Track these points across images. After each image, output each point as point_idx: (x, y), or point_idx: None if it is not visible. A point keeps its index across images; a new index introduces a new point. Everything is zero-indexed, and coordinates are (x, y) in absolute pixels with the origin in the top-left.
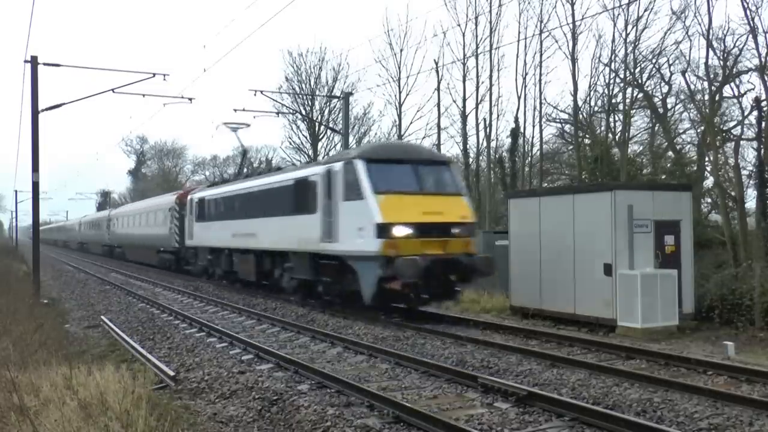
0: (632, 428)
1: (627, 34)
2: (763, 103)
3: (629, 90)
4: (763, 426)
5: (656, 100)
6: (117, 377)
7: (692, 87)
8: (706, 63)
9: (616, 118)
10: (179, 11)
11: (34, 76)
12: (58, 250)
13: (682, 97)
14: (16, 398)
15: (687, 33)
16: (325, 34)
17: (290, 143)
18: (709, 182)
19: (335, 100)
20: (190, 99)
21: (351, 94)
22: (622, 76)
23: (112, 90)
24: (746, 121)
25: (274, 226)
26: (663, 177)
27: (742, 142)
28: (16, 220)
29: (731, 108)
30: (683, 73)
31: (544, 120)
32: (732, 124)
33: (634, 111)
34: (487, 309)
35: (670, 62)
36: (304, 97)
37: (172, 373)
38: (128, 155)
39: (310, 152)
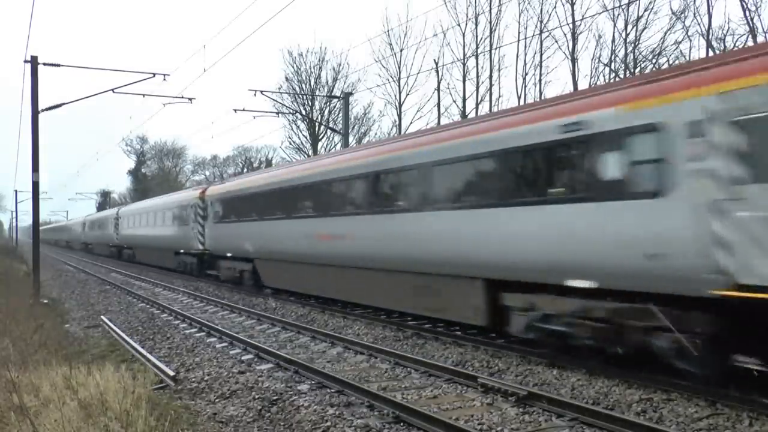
0: (632, 428)
1: (627, 34)
2: None
3: None
4: (763, 426)
5: None
6: (117, 377)
7: None
8: None
9: None
10: (179, 11)
11: (34, 76)
12: (54, 249)
13: None
14: (16, 398)
15: (687, 33)
16: (325, 34)
17: (290, 143)
18: None
19: (335, 100)
20: (190, 99)
21: (351, 94)
22: (622, 76)
23: (112, 90)
24: None
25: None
26: None
27: None
28: (16, 220)
29: None
30: None
31: None
32: None
33: None
34: None
35: (670, 62)
36: (304, 97)
37: (172, 373)
38: (128, 155)
39: (311, 152)
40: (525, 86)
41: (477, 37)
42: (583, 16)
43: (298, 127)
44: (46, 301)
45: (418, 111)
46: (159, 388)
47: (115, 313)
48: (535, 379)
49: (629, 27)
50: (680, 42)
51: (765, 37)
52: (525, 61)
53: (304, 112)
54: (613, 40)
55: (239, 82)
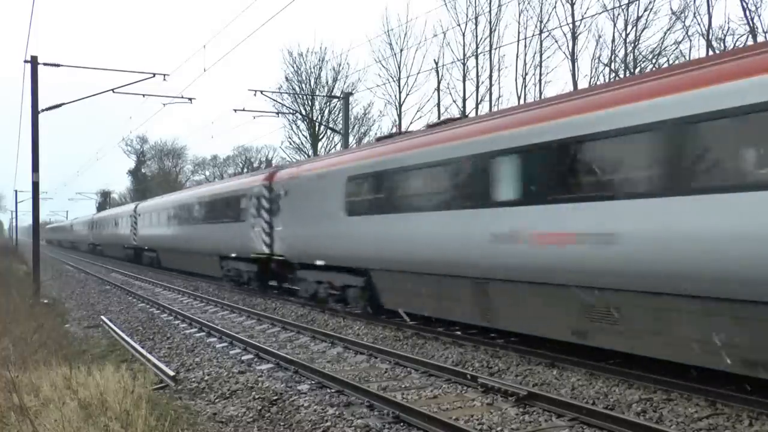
0: (632, 428)
1: (627, 34)
2: None
3: None
4: (763, 426)
5: None
6: (117, 377)
7: None
8: None
9: None
10: (179, 11)
11: (34, 76)
12: (48, 247)
13: None
14: (16, 398)
15: (687, 33)
16: (325, 34)
17: (290, 143)
18: None
19: (335, 100)
20: (190, 99)
21: (351, 94)
22: (622, 76)
23: (112, 90)
24: None
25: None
26: None
27: None
28: (16, 220)
29: None
30: None
31: None
32: None
33: None
34: None
35: (670, 62)
36: (304, 97)
37: (172, 373)
38: (128, 155)
39: (311, 152)
40: (525, 86)
41: (477, 37)
42: (583, 16)
43: (298, 127)
44: (46, 301)
45: (418, 111)
46: (159, 388)
47: (115, 313)
48: (535, 379)
49: (629, 27)
50: (680, 42)
51: (765, 36)
52: (525, 61)
53: (304, 112)
54: (613, 40)
55: (239, 82)
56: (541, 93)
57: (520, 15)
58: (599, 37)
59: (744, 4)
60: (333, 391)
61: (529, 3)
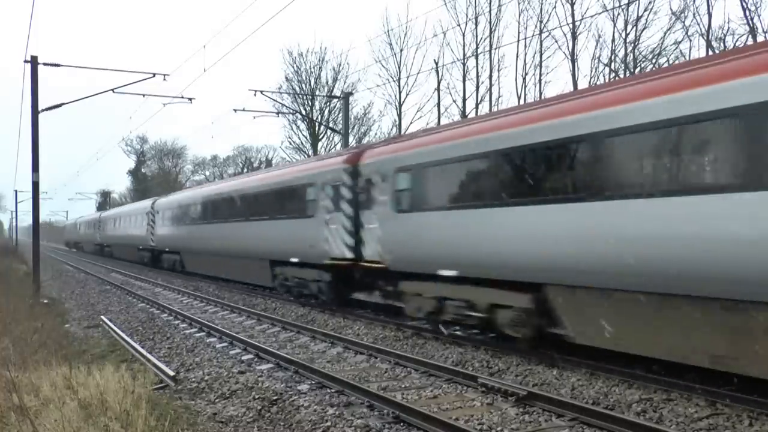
0: (632, 428)
1: (627, 34)
2: None
3: None
4: (763, 426)
5: None
6: (117, 377)
7: None
8: None
9: None
10: (179, 11)
11: (34, 76)
12: (52, 248)
13: None
14: (16, 398)
15: (687, 33)
16: (325, 34)
17: (290, 143)
18: None
19: (335, 100)
20: (190, 99)
21: (351, 94)
22: (622, 75)
23: (112, 90)
24: None
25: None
26: None
27: None
28: (16, 220)
29: None
30: None
31: None
32: None
33: None
34: None
35: (670, 62)
36: (304, 97)
37: (172, 373)
38: (128, 155)
39: (311, 152)
40: (525, 86)
41: (477, 37)
42: (582, 16)
43: (298, 127)
44: (46, 301)
45: (418, 111)
46: (159, 388)
47: (115, 313)
48: (535, 379)
49: (629, 27)
50: (680, 42)
51: (765, 36)
52: (525, 61)
53: (304, 112)
54: (613, 40)
55: (239, 82)
56: (541, 93)
57: (520, 15)
58: (599, 37)
59: (744, 4)
60: (333, 391)
61: (529, 3)
